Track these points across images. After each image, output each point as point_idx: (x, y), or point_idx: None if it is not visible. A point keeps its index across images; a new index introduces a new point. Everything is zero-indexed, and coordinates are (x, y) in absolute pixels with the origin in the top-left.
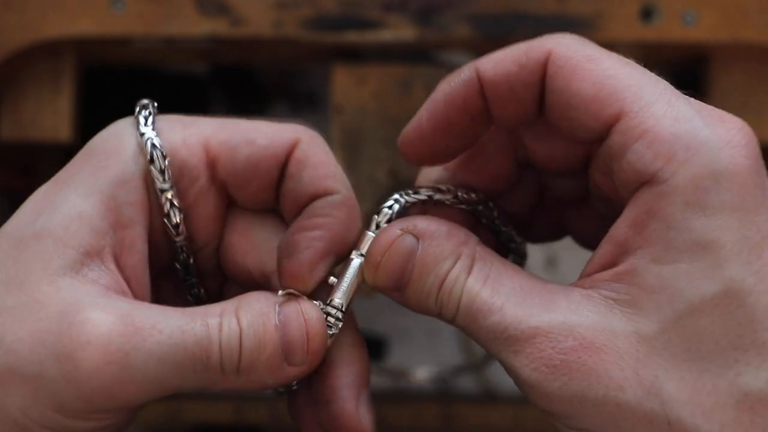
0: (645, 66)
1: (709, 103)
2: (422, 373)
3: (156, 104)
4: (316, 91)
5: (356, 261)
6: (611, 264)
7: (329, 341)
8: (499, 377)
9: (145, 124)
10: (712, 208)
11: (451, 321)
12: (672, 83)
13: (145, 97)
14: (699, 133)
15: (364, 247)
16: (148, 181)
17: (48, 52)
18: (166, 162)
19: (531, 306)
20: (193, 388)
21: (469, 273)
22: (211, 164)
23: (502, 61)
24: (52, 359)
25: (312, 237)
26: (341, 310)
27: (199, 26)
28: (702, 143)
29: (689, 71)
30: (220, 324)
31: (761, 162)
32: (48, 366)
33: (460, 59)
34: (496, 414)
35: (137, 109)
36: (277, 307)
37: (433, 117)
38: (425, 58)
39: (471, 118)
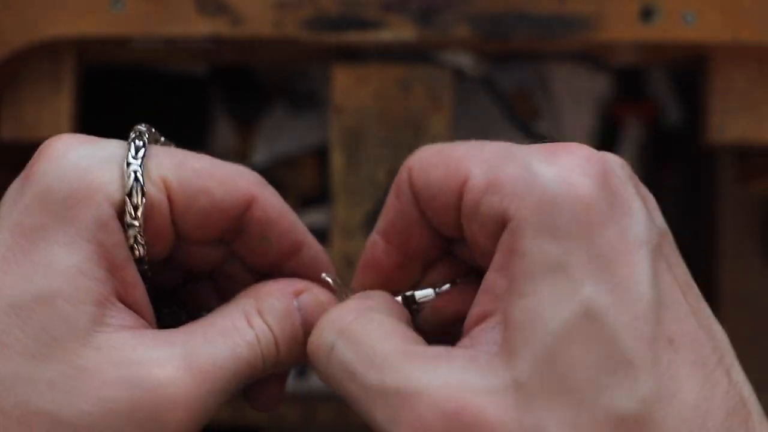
0: (645, 66)
1: (709, 103)
2: None
3: (153, 131)
4: (316, 91)
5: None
6: (487, 314)
7: None
8: None
9: (134, 156)
10: (559, 231)
11: (327, 377)
12: (672, 83)
13: (145, 97)
14: (534, 167)
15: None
16: (119, 215)
17: (48, 52)
18: (143, 200)
19: (412, 367)
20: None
21: (344, 333)
22: (170, 201)
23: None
24: (132, 426)
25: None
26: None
27: (199, 26)
28: (538, 174)
29: (689, 71)
30: (257, 336)
31: (609, 177)
32: None
33: (460, 59)
34: None
35: (132, 135)
36: (295, 302)
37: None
38: (425, 58)
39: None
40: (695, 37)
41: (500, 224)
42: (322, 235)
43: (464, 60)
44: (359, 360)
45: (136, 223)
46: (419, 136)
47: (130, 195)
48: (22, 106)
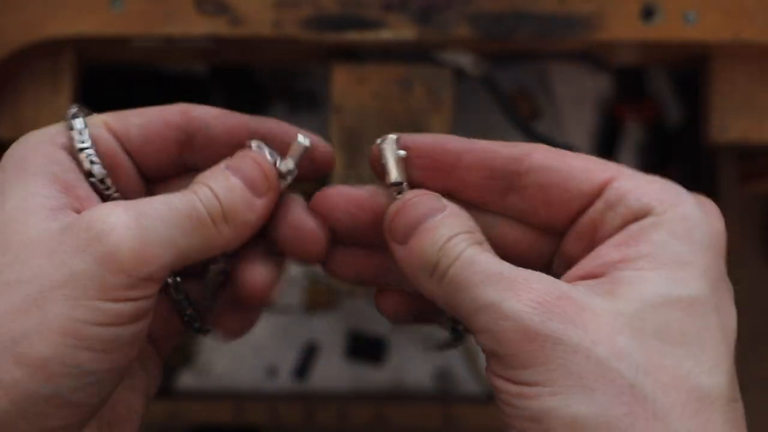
0: (646, 66)
1: (710, 103)
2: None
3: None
4: (316, 91)
5: (303, 140)
6: (588, 272)
7: (283, 185)
8: None
9: (75, 114)
10: (694, 241)
11: (444, 273)
12: (673, 83)
13: (145, 96)
14: (683, 192)
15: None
16: (71, 153)
17: (47, 51)
18: (86, 126)
19: (527, 270)
20: (204, 250)
21: (474, 245)
22: (111, 132)
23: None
24: (79, 254)
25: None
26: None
27: (199, 26)
28: (687, 197)
29: (690, 71)
30: (194, 191)
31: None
32: (78, 262)
33: (460, 59)
34: (496, 414)
35: (71, 108)
36: (225, 164)
37: None
38: (425, 58)
39: None
40: (696, 36)
41: (637, 216)
42: None
43: (464, 60)
44: (480, 270)
45: (86, 144)
46: None
47: (72, 128)
48: (21, 106)
